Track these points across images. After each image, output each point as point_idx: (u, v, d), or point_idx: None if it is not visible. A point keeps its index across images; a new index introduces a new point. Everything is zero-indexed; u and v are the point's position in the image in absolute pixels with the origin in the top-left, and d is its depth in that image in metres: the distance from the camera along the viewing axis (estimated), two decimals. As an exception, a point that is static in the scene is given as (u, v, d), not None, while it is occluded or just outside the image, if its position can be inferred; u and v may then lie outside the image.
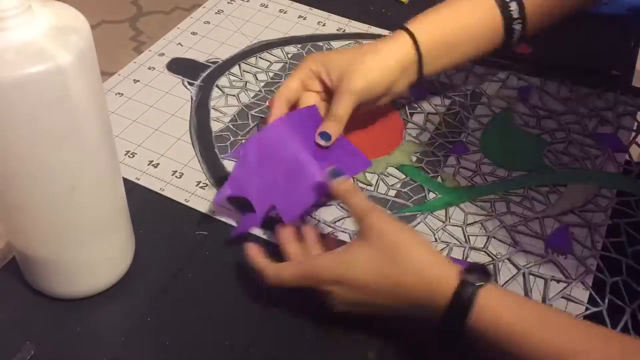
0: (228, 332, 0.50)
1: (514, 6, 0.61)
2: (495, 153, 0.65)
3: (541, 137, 0.67)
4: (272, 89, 0.72)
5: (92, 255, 0.50)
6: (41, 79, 0.39)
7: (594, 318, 0.52)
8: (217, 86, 0.72)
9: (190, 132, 0.67)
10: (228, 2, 0.85)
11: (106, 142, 0.46)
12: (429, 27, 0.61)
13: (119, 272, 0.53)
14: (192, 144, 0.65)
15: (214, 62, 0.75)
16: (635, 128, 0.68)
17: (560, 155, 0.65)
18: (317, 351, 0.50)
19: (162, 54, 0.77)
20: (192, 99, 0.70)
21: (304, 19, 0.83)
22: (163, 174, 0.62)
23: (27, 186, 0.44)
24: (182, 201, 0.60)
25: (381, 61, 0.59)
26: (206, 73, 0.74)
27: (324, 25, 0.82)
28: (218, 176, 0.62)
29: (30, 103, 0.39)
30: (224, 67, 0.75)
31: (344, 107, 0.58)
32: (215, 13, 0.83)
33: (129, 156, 0.64)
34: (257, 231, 0.57)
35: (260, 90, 0.72)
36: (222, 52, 0.77)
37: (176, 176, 0.62)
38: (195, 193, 0.61)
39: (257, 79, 0.73)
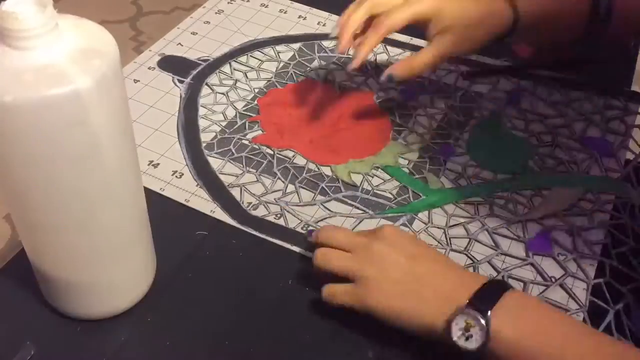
0: (228, 332, 0.51)
1: None
2: (481, 155, 0.65)
3: (528, 140, 0.67)
4: (262, 87, 0.72)
5: (111, 277, 0.49)
6: (58, 102, 0.37)
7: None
8: (206, 84, 0.72)
9: (178, 130, 0.67)
10: (228, 2, 0.85)
11: (127, 167, 0.45)
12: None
13: (140, 291, 0.52)
14: (179, 140, 0.66)
15: (205, 60, 0.75)
16: (624, 132, 0.68)
17: (546, 158, 0.65)
18: (317, 351, 0.50)
19: (162, 54, 0.77)
20: (181, 97, 0.71)
21: (304, 19, 0.83)
22: (163, 174, 0.62)
23: (42, 207, 0.43)
24: (182, 201, 0.60)
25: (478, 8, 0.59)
26: (196, 71, 0.74)
27: (324, 25, 0.82)
28: (203, 173, 0.62)
29: (46, 126, 0.38)
30: (215, 65, 0.75)
31: (423, 59, 0.58)
32: (215, 13, 0.84)
33: (129, 156, 0.64)
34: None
35: (249, 89, 0.72)
36: (221, 52, 0.77)
37: (176, 176, 0.62)
38: (195, 193, 0.61)
39: (247, 78, 0.73)
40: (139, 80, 0.73)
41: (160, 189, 0.61)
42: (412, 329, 0.47)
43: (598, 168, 0.64)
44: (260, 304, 0.52)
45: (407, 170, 0.64)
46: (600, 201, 0.61)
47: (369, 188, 0.62)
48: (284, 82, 0.73)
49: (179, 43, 0.78)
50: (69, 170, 0.41)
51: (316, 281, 0.52)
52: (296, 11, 0.84)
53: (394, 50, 0.78)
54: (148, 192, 0.60)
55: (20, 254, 0.52)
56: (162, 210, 0.59)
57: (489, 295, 0.45)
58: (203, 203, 0.60)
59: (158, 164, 0.64)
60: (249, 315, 0.52)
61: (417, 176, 0.63)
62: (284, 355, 0.50)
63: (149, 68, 0.75)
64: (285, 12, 0.84)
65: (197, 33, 0.80)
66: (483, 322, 0.43)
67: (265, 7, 0.85)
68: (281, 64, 0.75)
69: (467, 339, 0.43)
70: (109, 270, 0.48)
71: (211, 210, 0.59)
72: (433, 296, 0.46)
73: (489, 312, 0.43)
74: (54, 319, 0.51)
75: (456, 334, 0.44)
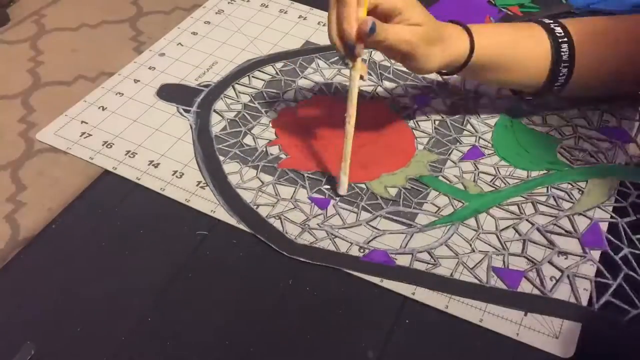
0: (228, 332, 0.51)
1: (564, 47, 0.61)
2: (510, 154, 0.65)
3: (550, 134, 0.67)
4: (273, 109, 0.70)
5: None
6: None
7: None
8: (214, 111, 0.70)
9: (198, 163, 0.64)
10: (228, 2, 0.85)
11: None
12: (487, 36, 0.61)
13: None
14: (203, 175, 0.62)
15: (205, 86, 0.72)
16: (638, 118, 0.69)
17: (573, 151, 0.65)
18: (317, 351, 0.50)
19: (163, 54, 0.77)
20: (191, 127, 0.68)
21: (304, 19, 0.83)
22: (163, 174, 0.63)
23: None
24: (183, 201, 0.60)
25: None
26: (200, 98, 0.71)
27: (324, 25, 0.82)
28: (238, 208, 0.59)
29: None
30: (218, 90, 0.72)
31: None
32: (216, 13, 0.84)
33: (129, 156, 0.64)
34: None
35: (260, 111, 0.70)
36: (222, 52, 0.77)
37: (177, 176, 0.62)
38: (196, 193, 0.61)
39: (254, 100, 0.71)
40: (139, 80, 0.73)
41: (161, 188, 0.61)
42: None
43: (623, 156, 0.65)
44: (260, 304, 0.52)
45: (442, 178, 0.63)
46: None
47: (410, 201, 0.61)
48: (292, 100, 0.71)
49: (179, 43, 0.78)
50: None
51: (316, 281, 0.52)
52: (296, 11, 0.84)
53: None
54: (148, 191, 0.61)
55: (20, 254, 0.52)
56: (162, 210, 0.59)
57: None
58: (203, 203, 0.60)
59: (158, 164, 0.64)
60: (249, 315, 0.52)
61: (453, 183, 0.62)
62: (284, 355, 0.50)
63: (149, 68, 0.75)
64: (285, 12, 0.84)
65: (197, 33, 0.80)
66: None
67: (266, 7, 0.85)
68: (284, 82, 0.74)
69: None
70: None
71: (211, 210, 0.59)
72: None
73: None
74: (54, 319, 0.51)
75: None
